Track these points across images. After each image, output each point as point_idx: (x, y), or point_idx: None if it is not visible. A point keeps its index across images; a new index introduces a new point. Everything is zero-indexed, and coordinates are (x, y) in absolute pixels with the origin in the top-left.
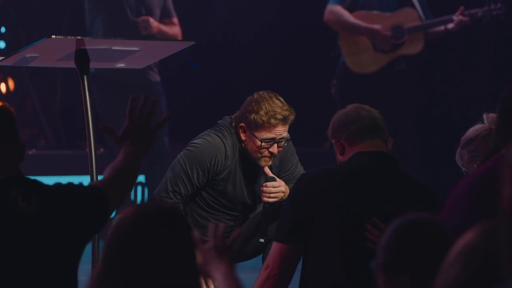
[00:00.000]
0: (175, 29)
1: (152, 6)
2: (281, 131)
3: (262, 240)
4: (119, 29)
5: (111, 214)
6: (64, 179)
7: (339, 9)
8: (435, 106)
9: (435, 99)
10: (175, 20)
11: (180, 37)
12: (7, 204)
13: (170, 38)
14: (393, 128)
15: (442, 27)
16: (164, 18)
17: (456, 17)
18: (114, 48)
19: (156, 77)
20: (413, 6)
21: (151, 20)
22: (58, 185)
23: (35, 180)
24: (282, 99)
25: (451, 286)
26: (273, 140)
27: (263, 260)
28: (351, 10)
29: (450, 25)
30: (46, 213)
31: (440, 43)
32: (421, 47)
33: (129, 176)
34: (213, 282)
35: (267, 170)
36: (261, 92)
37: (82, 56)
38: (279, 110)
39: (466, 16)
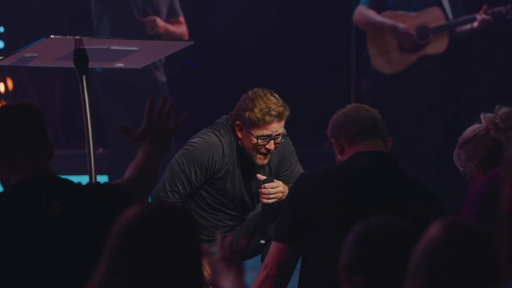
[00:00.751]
0: (181, 28)
1: (159, 6)
2: (277, 127)
3: (262, 242)
4: (126, 29)
5: None
6: None
7: (366, 10)
8: (460, 106)
9: (461, 98)
10: (182, 19)
11: (186, 36)
12: (40, 204)
13: (177, 37)
14: (420, 127)
15: (468, 26)
16: (171, 17)
17: (480, 16)
18: (113, 48)
19: (162, 78)
20: (440, 5)
21: (158, 20)
22: (87, 184)
23: (66, 179)
24: (277, 96)
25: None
26: (269, 137)
27: (262, 259)
28: (380, 10)
29: (475, 24)
30: (77, 213)
31: (465, 41)
32: (446, 46)
33: (150, 174)
34: None
35: (259, 176)
36: (256, 90)
37: (81, 56)
38: (273, 107)
39: (489, 14)
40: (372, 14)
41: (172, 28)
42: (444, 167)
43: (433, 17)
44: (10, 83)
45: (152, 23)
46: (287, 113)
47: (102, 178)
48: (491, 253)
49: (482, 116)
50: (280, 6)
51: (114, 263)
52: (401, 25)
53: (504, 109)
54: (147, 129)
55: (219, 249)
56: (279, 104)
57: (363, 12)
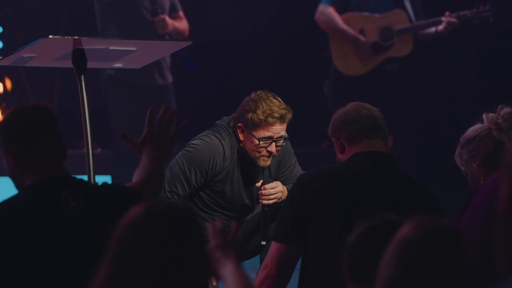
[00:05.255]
0: (183, 24)
1: (163, 3)
2: (279, 129)
3: (264, 243)
4: (136, 30)
5: None
6: None
7: (329, 10)
8: (425, 106)
9: (425, 99)
10: (181, 13)
11: (187, 31)
12: (59, 204)
13: (182, 33)
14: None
15: (432, 29)
16: (172, 12)
17: (445, 19)
18: (111, 48)
19: (169, 78)
20: (403, 7)
21: (167, 18)
22: (102, 184)
23: (81, 180)
24: (279, 99)
25: (389, 280)
26: (271, 139)
27: (261, 260)
28: (344, 10)
29: (440, 27)
30: (93, 212)
31: (431, 44)
32: (410, 49)
33: (158, 178)
34: (223, 281)
35: (257, 184)
36: (259, 92)
37: (79, 56)
38: (276, 109)
39: (454, 17)
40: (335, 17)
41: (177, 25)
42: (416, 166)
43: (397, 19)
44: (8, 83)
45: (162, 22)
46: (289, 116)
47: (104, 179)
48: (460, 249)
49: (484, 115)
50: (277, 5)
51: (119, 264)
52: (362, 38)
53: (506, 109)
54: (148, 136)
55: (211, 237)
56: (281, 107)
57: (326, 13)
